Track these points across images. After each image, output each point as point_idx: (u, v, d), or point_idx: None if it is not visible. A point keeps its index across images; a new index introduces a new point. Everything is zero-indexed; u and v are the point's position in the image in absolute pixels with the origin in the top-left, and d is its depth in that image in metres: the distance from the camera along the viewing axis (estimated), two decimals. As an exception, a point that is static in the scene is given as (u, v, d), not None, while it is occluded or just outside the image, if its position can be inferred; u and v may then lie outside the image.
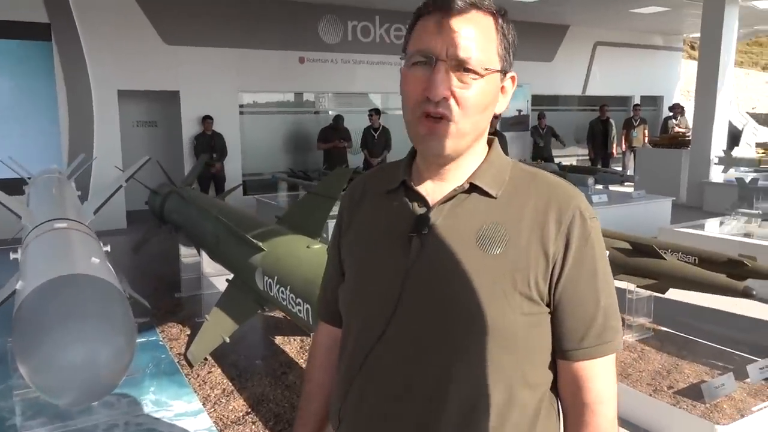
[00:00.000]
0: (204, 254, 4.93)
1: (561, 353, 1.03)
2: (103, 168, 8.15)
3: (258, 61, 9.93)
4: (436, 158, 1.06)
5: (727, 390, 3.34)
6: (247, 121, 10.43)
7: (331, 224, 3.98)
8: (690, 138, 10.82)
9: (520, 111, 12.92)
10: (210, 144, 9.20)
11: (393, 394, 1.03)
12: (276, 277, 3.25)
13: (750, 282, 3.54)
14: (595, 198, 7.45)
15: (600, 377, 1.02)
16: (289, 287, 3.10)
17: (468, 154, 1.07)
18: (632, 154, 12.30)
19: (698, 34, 16.05)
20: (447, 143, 1.01)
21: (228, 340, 3.61)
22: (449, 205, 1.05)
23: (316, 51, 10.53)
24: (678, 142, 11.04)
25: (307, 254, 3.22)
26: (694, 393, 3.38)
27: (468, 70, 0.97)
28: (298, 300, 2.99)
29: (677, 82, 15.49)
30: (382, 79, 11.15)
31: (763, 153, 11.00)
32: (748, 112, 16.08)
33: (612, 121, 12.21)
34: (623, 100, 14.14)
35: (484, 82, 0.99)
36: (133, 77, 9.01)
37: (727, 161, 10.32)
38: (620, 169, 11.95)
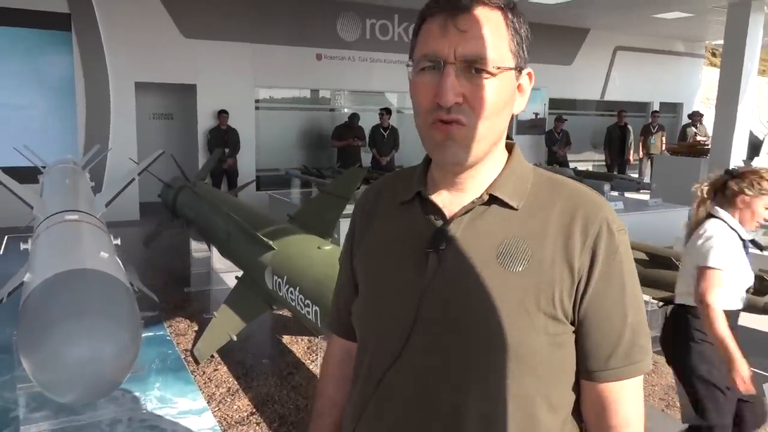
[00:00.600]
0: (214, 250, 4.91)
1: (585, 374, 0.97)
2: (118, 159, 8.18)
3: (275, 56, 9.91)
4: (452, 166, 1.00)
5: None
6: (262, 116, 10.42)
7: (344, 225, 3.95)
8: (709, 147, 10.65)
9: (536, 114, 12.79)
10: (224, 138, 9.20)
11: (410, 414, 0.98)
12: (286, 277, 3.21)
13: (770, 298, 3.44)
14: (612, 206, 7.33)
15: (627, 400, 0.97)
16: (298, 288, 3.06)
17: (486, 161, 1.00)
18: (649, 161, 12.14)
19: (720, 41, 15.84)
20: (463, 150, 0.95)
21: (235, 338, 3.58)
22: (467, 218, 0.99)
23: (334, 48, 10.49)
24: (697, 150, 10.86)
25: (318, 255, 3.18)
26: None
27: (479, 71, 0.91)
28: (307, 301, 2.95)
29: (697, 89, 15.27)
30: (399, 78, 11.05)
31: (783, 164, 10.81)
32: (769, 122, 15.81)
33: (630, 127, 12.06)
34: (642, 106, 13.96)
35: (497, 82, 0.93)
36: (150, 69, 9.03)
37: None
38: (637, 176, 11.80)
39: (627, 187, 8.91)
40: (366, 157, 10.38)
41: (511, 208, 0.99)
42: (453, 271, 0.96)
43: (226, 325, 3.70)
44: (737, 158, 10.15)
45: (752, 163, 10.44)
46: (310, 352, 4.05)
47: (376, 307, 1.04)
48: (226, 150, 9.06)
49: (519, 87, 0.99)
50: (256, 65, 9.80)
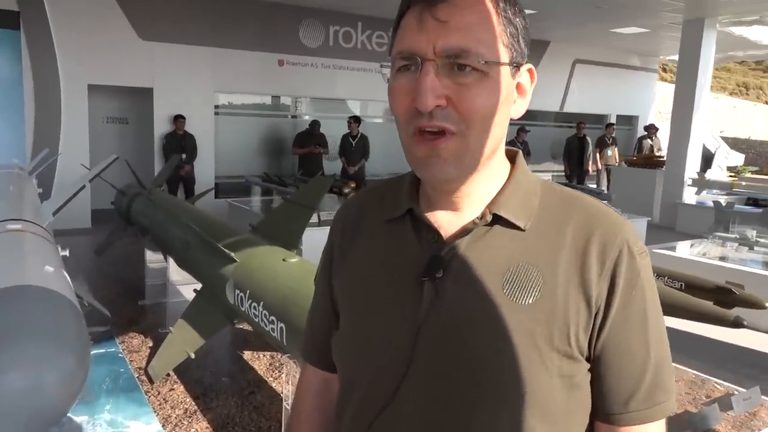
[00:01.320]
0: (171, 261, 4.68)
1: (602, 416, 0.85)
2: (68, 165, 7.81)
3: (236, 61, 9.69)
4: (442, 184, 0.87)
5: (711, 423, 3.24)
6: (221, 122, 10.16)
7: (310, 235, 3.80)
8: (664, 159, 10.90)
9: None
10: (180, 144, 8.91)
11: None
12: (248, 291, 3.04)
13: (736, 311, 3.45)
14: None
15: None
16: (262, 303, 2.89)
17: (484, 174, 0.87)
18: (606, 172, 12.38)
19: (673, 57, 16.34)
20: (451, 165, 0.81)
21: (193, 356, 3.38)
22: (467, 241, 0.86)
23: (296, 54, 10.33)
24: (653, 162, 11.12)
25: (284, 268, 3.02)
26: (676, 424, 3.26)
27: (464, 67, 0.78)
28: (272, 318, 2.78)
29: (652, 102, 15.69)
30: (362, 85, 11.01)
31: (733, 176, 11.15)
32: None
33: (588, 138, 12.26)
34: (599, 118, 14.21)
35: (488, 80, 0.79)
36: (105, 71, 8.69)
37: (701, 183, 10.42)
38: (596, 186, 11.99)
39: (588, 198, 8.97)
40: (328, 165, 10.22)
41: (518, 228, 0.86)
42: (453, 304, 0.83)
43: (183, 341, 3.50)
44: (691, 170, 10.42)
45: (705, 176, 10.74)
46: (272, 368, 3.87)
47: (364, 342, 0.90)
48: (183, 156, 8.77)
49: (518, 87, 0.86)
50: (216, 70, 9.56)
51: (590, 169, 12.30)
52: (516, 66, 0.84)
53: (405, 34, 0.83)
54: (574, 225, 0.85)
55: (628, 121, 15.38)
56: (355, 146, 9.72)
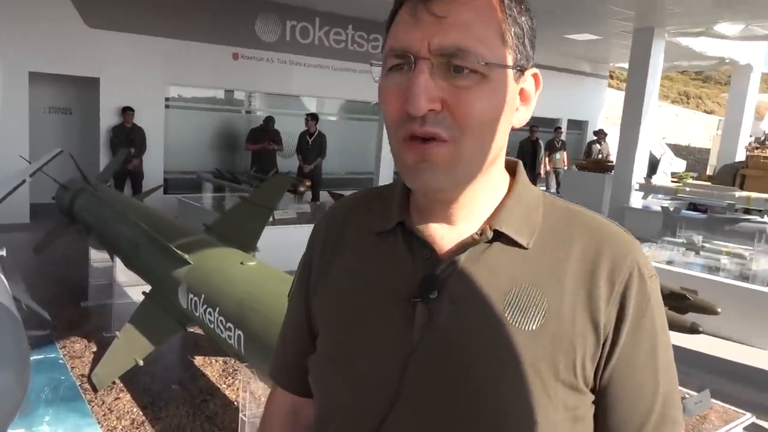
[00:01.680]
0: (118, 260, 4.44)
1: None
2: (6, 157, 7.36)
3: (189, 53, 9.37)
4: (433, 194, 0.79)
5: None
6: (172, 115, 9.83)
7: (263, 235, 3.65)
8: (613, 163, 11.18)
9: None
10: (129, 137, 8.55)
11: None
12: (203, 296, 2.89)
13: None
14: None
15: None
16: (218, 309, 2.75)
17: (481, 185, 0.79)
18: (555, 175, 12.63)
19: (621, 64, 16.80)
20: (443, 174, 0.73)
21: (141, 363, 3.20)
22: (465, 259, 0.78)
23: (252, 48, 10.08)
24: (602, 166, 11.39)
25: (241, 272, 2.89)
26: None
27: (461, 69, 0.70)
28: (229, 324, 2.65)
29: (601, 108, 16.10)
30: (319, 82, 10.85)
31: (677, 182, 11.54)
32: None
33: (541, 142, 12.46)
34: (552, 122, 14.47)
35: (488, 83, 0.72)
36: (48, 59, 8.24)
37: (647, 188, 10.72)
38: (545, 189, 12.20)
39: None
40: (282, 163, 10.02)
41: (520, 246, 0.78)
42: (448, 329, 0.75)
43: (130, 347, 3.31)
44: (638, 175, 10.72)
45: (652, 181, 11.07)
46: (225, 375, 3.71)
47: (347, 369, 0.81)
48: (132, 150, 8.42)
49: (521, 93, 0.78)
50: (168, 61, 9.22)
51: (541, 171, 12.51)
52: (520, 70, 0.76)
53: (398, 30, 0.75)
54: (580, 244, 0.78)
55: (579, 125, 15.74)
56: (311, 144, 9.53)
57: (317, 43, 10.84)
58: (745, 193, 8.72)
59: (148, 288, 3.56)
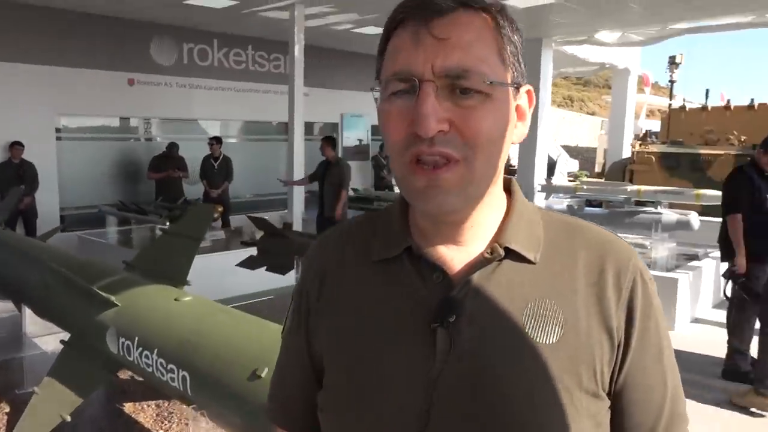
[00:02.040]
0: (27, 309, 4.08)
1: None
2: None
3: (81, 80, 8.85)
4: (444, 216, 0.78)
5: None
6: (65, 147, 9.21)
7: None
8: (516, 167, 11.71)
9: (361, 140, 13.05)
10: (18, 174, 7.91)
11: None
12: (137, 338, 2.71)
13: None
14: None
15: None
16: (156, 350, 2.59)
17: (486, 202, 0.80)
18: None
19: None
20: (455, 195, 0.73)
21: (68, 419, 2.94)
22: (477, 279, 0.77)
23: (148, 73, 9.68)
24: (506, 171, 11.89)
25: (177, 309, 2.73)
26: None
27: (467, 90, 0.72)
28: (170, 366, 2.50)
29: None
30: (220, 105, 10.59)
31: (573, 181, 12.27)
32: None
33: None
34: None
35: (492, 102, 0.73)
36: None
37: (549, 189, 11.31)
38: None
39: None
40: (188, 189, 9.62)
41: (528, 261, 0.79)
42: (472, 352, 0.75)
43: (53, 402, 3.03)
44: (540, 177, 11.29)
45: (552, 182, 11.69)
46: (161, 419, 3.49)
47: (366, 404, 0.78)
48: (22, 187, 7.79)
49: (518, 109, 0.79)
50: (58, 90, 8.65)
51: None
52: (516, 87, 0.78)
53: (399, 53, 0.75)
54: (584, 255, 0.81)
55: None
56: (217, 168, 9.24)
57: (217, 64, 10.60)
58: (635, 187, 9.40)
59: (65, 335, 3.28)
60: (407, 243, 0.82)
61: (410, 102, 0.72)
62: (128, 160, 10.06)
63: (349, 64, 12.33)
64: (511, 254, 0.79)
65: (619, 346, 0.77)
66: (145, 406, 3.64)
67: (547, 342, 0.75)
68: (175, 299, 2.81)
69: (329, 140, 7.46)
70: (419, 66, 0.71)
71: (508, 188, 0.87)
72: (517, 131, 0.81)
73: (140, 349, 2.68)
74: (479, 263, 0.79)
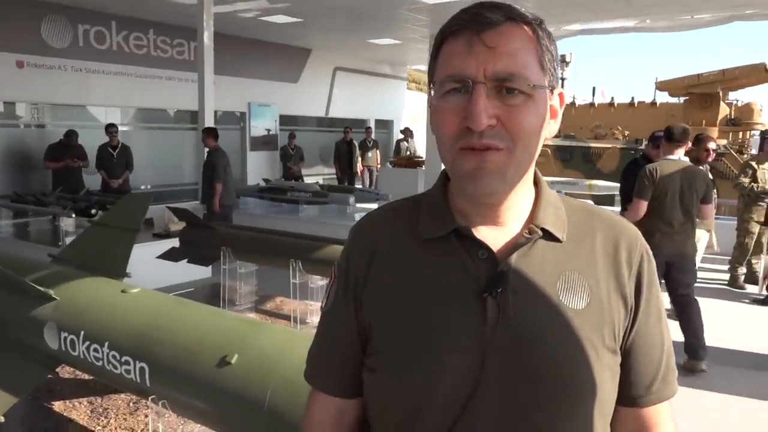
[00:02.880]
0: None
1: (628, 401, 0.97)
2: None
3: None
4: (487, 197, 0.91)
5: None
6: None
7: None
8: (424, 159, 12.08)
9: (269, 130, 12.89)
10: None
11: None
12: (82, 332, 2.63)
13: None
14: (357, 216, 7.79)
15: (667, 419, 1.00)
16: (107, 343, 2.53)
17: (522, 189, 0.94)
18: (368, 173, 13.27)
19: (418, 66, 18.10)
20: (498, 178, 0.87)
21: (2, 420, 2.79)
22: (518, 256, 0.92)
23: (39, 55, 9.02)
24: (414, 163, 12.25)
25: (127, 301, 2.68)
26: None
27: (512, 90, 0.84)
28: (125, 358, 2.46)
29: (403, 108, 17.19)
30: (120, 91, 10.07)
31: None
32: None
33: (355, 142, 12.97)
34: (362, 123, 15.12)
35: (533, 102, 0.86)
36: None
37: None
38: (367, 186, 12.74)
39: (367, 199, 9.54)
40: (90, 180, 9.09)
41: (557, 240, 0.95)
42: (519, 316, 0.88)
43: (-18, 404, 2.87)
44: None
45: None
46: (96, 415, 3.37)
47: (422, 364, 0.90)
48: None
49: (551, 108, 0.93)
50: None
51: (358, 171, 13.02)
52: (551, 89, 0.92)
53: (453, 58, 0.87)
54: (601, 235, 0.97)
55: (385, 125, 16.63)
56: (116, 157, 8.79)
57: (116, 48, 10.05)
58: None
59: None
60: (455, 224, 0.94)
61: (463, 100, 0.85)
62: (18, 148, 9.33)
63: (258, 52, 12.13)
64: (544, 234, 0.94)
65: (630, 310, 0.94)
66: (76, 403, 3.50)
67: (577, 308, 0.90)
68: (122, 291, 2.75)
69: (210, 131, 7.48)
70: (472, 70, 0.84)
71: (535, 180, 1.00)
72: (549, 127, 0.94)
73: (87, 342, 2.60)
74: (519, 242, 0.93)
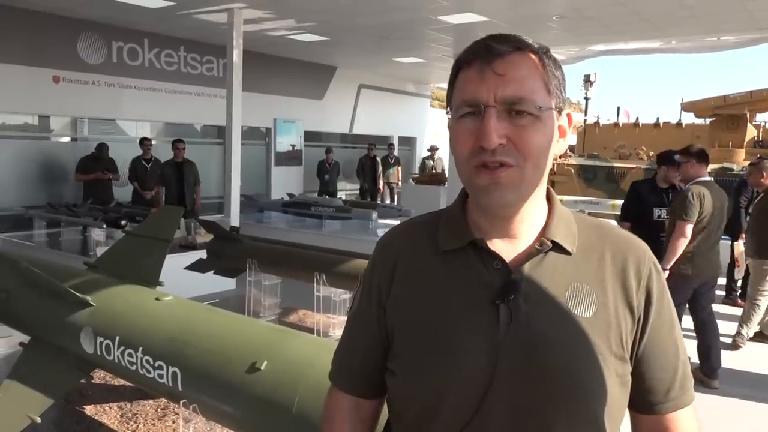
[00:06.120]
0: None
1: (646, 408, 1.02)
2: None
3: (1, 76, 8.39)
4: (500, 210, 0.99)
5: None
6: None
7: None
8: (447, 176, 12.13)
9: (293, 146, 13.08)
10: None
11: None
12: (118, 338, 2.74)
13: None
14: (380, 232, 7.85)
15: (689, 426, 1.04)
16: (141, 349, 2.63)
17: (534, 204, 1.02)
18: (389, 190, 13.38)
19: (440, 84, 18.19)
20: (510, 192, 0.95)
21: (39, 420, 2.90)
22: (530, 266, 0.99)
23: (75, 71, 9.32)
24: (437, 179, 12.30)
25: (161, 308, 2.79)
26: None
27: (521, 112, 0.93)
28: (158, 363, 2.56)
29: (426, 125, 17.31)
30: (151, 106, 10.34)
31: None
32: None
33: (378, 158, 13.09)
34: (385, 140, 15.26)
35: (540, 122, 0.94)
36: None
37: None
38: (389, 202, 12.83)
39: (390, 215, 9.63)
40: (119, 192, 9.30)
41: (566, 252, 1.01)
42: (529, 322, 0.95)
43: (19, 404, 2.98)
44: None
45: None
46: (126, 420, 3.48)
47: (440, 366, 0.97)
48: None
49: (559, 128, 1.01)
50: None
51: (381, 187, 13.13)
52: (558, 111, 1.00)
53: (467, 85, 0.97)
54: (610, 250, 1.03)
55: (408, 142, 16.76)
56: (150, 170, 9.02)
57: (148, 65, 10.34)
58: (558, 197, 10.03)
59: (23, 338, 3.23)
60: (471, 237, 1.02)
61: (476, 123, 0.94)
62: (53, 160, 9.62)
63: (284, 69, 12.37)
64: (555, 247, 1.01)
65: (639, 320, 1.00)
66: (107, 408, 3.61)
67: (585, 315, 0.97)
68: (156, 299, 2.86)
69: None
70: (483, 95, 0.93)
71: (547, 196, 1.08)
72: (558, 145, 1.03)
73: (122, 347, 2.71)
74: (531, 253, 1.00)
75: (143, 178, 8.94)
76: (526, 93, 0.93)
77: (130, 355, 2.67)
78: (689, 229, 4.18)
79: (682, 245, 4.15)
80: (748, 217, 6.01)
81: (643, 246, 1.06)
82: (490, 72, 0.93)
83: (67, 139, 10.12)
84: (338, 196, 11.55)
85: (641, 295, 1.00)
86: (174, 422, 3.42)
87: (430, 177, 12.45)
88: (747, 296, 5.41)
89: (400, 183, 13.50)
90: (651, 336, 1.00)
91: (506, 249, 1.01)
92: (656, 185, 4.98)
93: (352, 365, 1.12)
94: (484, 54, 0.95)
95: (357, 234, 8.52)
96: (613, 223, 1.17)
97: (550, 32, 9.28)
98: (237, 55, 8.37)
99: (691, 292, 4.27)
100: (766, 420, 3.85)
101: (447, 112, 1.02)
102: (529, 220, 1.02)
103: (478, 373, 0.94)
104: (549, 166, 1.01)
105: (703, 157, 4.38)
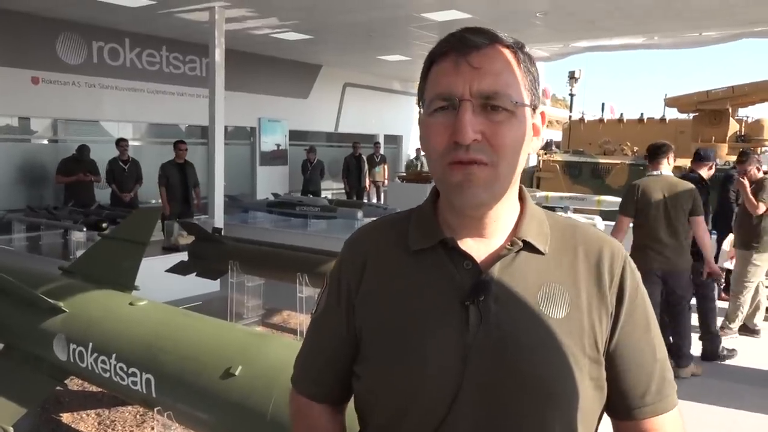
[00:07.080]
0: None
1: (623, 412, 0.98)
2: None
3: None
4: (474, 209, 0.95)
5: None
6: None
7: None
8: (431, 174, 12.12)
9: (278, 145, 13.00)
10: None
11: None
12: (91, 344, 2.68)
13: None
14: (366, 231, 7.78)
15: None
16: (114, 355, 2.57)
17: (506, 203, 0.98)
18: (375, 188, 13.32)
19: (427, 83, 18.07)
20: (483, 190, 0.91)
21: (11, 430, 2.83)
22: (500, 266, 0.95)
23: (54, 72, 9.18)
24: (422, 178, 12.28)
25: (135, 313, 2.72)
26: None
27: (496, 108, 0.89)
28: (132, 370, 2.50)
29: (412, 123, 17.26)
30: (133, 106, 10.22)
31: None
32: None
33: (364, 157, 13.03)
34: (371, 138, 15.20)
35: (515, 119, 0.91)
36: None
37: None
38: (375, 201, 12.79)
39: (375, 213, 9.57)
40: (100, 194, 9.19)
41: (539, 252, 0.98)
42: (499, 323, 0.92)
43: (-9, 415, 2.91)
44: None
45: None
46: (103, 427, 3.41)
47: (409, 367, 0.93)
48: None
49: (533, 126, 0.97)
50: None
51: (367, 185, 13.08)
52: (533, 108, 0.96)
53: (441, 78, 0.92)
54: (583, 248, 1.00)
55: (394, 140, 16.72)
56: (127, 171, 8.90)
57: (129, 65, 10.22)
58: (543, 193, 10.04)
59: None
60: (442, 236, 0.98)
61: (451, 117, 0.89)
62: (32, 162, 9.48)
63: (268, 68, 12.27)
64: (526, 246, 0.97)
65: (611, 316, 0.96)
66: (84, 415, 3.53)
67: (557, 317, 0.93)
68: (130, 303, 2.80)
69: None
70: (459, 88, 0.89)
71: (520, 195, 1.04)
72: (533, 144, 0.99)
73: (95, 354, 2.65)
74: (502, 253, 0.96)
75: (121, 179, 8.82)
76: (502, 87, 0.89)
77: (103, 362, 2.61)
78: (625, 221, 4.36)
79: (618, 239, 4.27)
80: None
81: (615, 243, 1.03)
82: (465, 64, 0.89)
83: (47, 141, 9.98)
84: (323, 196, 11.46)
85: (613, 294, 0.97)
86: (153, 429, 3.35)
87: (417, 175, 12.42)
88: (731, 289, 5.42)
89: (386, 181, 13.46)
90: (623, 334, 0.96)
91: (477, 249, 0.97)
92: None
93: (319, 370, 1.08)
94: (459, 46, 0.91)
95: (342, 233, 8.46)
96: (598, 219, 1.13)
97: (534, 29, 9.27)
98: (219, 54, 8.28)
99: (659, 288, 4.28)
100: (747, 414, 3.86)
101: (419, 107, 0.97)
102: (501, 219, 0.98)
103: (448, 376, 0.90)
104: (522, 164, 0.97)
105: (651, 153, 4.47)
